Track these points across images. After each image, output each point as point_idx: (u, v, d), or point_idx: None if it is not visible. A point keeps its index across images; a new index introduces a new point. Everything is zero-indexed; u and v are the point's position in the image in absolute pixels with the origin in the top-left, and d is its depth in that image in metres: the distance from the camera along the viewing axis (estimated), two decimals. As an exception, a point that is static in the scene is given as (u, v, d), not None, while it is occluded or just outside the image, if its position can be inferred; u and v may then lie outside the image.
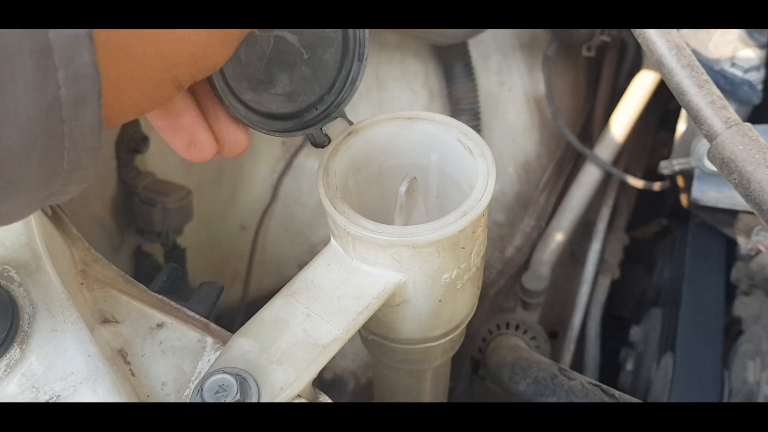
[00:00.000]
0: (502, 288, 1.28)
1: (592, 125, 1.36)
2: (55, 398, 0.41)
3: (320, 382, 1.17)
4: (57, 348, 0.43)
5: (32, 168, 0.32)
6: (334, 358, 1.10)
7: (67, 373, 0.42)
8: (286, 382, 0.46)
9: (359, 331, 0.59)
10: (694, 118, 0.58)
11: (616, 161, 1.27)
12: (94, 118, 0.33)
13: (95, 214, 0.89)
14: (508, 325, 0.94)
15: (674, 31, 0.60)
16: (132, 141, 0.90)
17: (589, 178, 1.22)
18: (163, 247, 0.94)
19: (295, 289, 0.50)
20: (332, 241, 0.52)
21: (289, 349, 0.47)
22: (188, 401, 0.46)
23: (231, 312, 1.11)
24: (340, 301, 0.49)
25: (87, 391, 0.42)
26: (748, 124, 0.56)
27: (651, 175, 1.24)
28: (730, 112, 0.57)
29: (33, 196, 0.34)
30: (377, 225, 0.48)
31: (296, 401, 0.46)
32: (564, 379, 0.67)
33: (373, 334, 0.58)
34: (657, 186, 1.16)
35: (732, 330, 1.09)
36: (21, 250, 0.47)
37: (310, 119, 0.51)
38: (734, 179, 0.55)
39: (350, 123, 0.53)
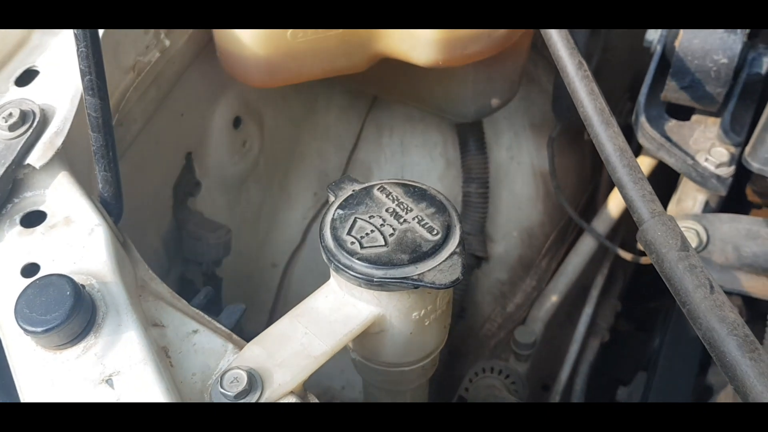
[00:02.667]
0: (501, 340, 1.41)
1: (596, 200, 1.50)
2: (116, 373, 0.57)
3: (329, 408, 1.31)
4: (120, 338, 0.59)
5: None
6: (343, 389, 1.28)
7: (126, 356, 0.58)
8: (283, 380, 0.61)
9: (350, 354, 0.75)
10: (629, 207, 0.72)
11: (615, 234, 1.41)
12: None
13: (150, 245, 1.06)
14: (492, 370, 1.07)
15: (620, 136, 0.75)
16: (187, 185, 1.08)
17: (585, 247, 1.36)
18: (203, 276, 1.10)
19: (299, 313, 0.66)
20: (331, 279, 0.68)
21: (289, 357, 0.62)
22: (210, 389, 0.61)
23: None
24: (332, 325, 0.65)
25: (139, 370, 0.58)
26: (670, 216, 0.70)
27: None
28: (657, 204, 0.71)
29: None
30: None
31: (288, 398, 0.61)
32: (520, 413, 0.81)
33: (359, 356, 0.73)
34: (644, 260, 1.29)
35: (705, 396, 1.20)
36: (100, 267, 0.64)
37: None
38: (653, 258, 0.69)
39: None
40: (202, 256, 1.06)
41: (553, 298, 1.34)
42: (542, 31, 0.77)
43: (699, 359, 1.20)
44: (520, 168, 1.37)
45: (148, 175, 0.99)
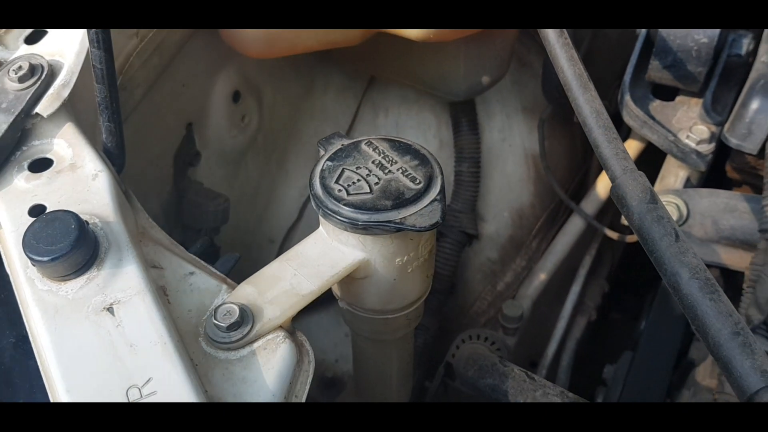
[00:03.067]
0: (491, 318, 1.45)
1: (587, 185, 1.54)
2: (117, 302, 0.61)
3: (321, 380, 1.35)
4: (121, 271, 0.63)
5: None
6: (336, 361, 1.32)
7: (126, 288, 0.62)
8: (273, 315, 0.65)
9: (340, 303, 0.79)
10: (603, 165, 0.76)
11: (603, 216, 1.45)
12: None
13: (151, 211, 1.10)
14: (478, 337, 1.11)
15: (597, 99, 0.79)
16: (187, 155, 1.12)
17: (573, 227, 1.40)
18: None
19: (289, 257, 0.70)
20: (320, 227, 0.72)
21: (278, 295, 0.66)
22: (204, 322, 0.65)
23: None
24: (319, 268, 0.69)
25: (138, 300, 0.62)
26: (641, 172, 0.74)
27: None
28: (629, 162, 0.75)
29: None
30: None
31: (277, 333, 0.65)
32: (501, 366, 0.85)
33: (347, 304, 0.77)
34: (630, 238, 1.33)
35: (688, 371, 1.24)
36: (103, 208, 0.68)
37: None
38: (624, 211, 0.73)
39: None
40: (201, 222, 1.10)
41: (542, 276, 1.38)
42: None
43: (681, 337, 1.24)
44: (511, 150, 1.42)
45: (150, 142, 1.03)
